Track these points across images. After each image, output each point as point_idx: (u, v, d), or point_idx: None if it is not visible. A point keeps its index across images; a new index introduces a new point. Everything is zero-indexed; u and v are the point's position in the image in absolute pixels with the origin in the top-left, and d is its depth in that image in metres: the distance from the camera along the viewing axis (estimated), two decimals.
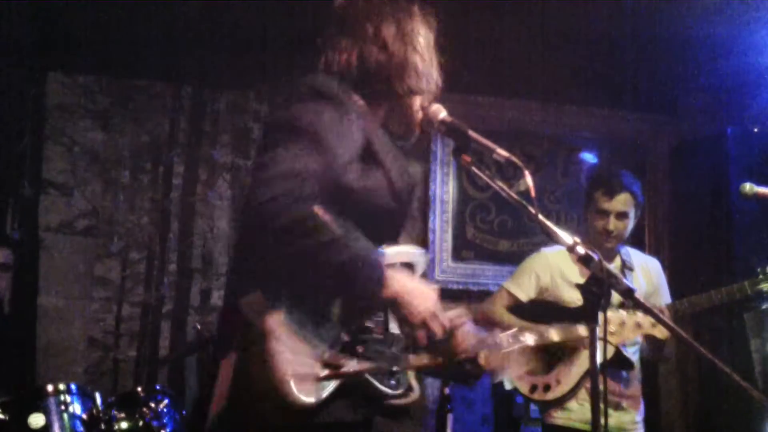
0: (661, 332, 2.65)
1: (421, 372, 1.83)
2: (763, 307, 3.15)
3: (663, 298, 2.94)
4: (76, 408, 2.80)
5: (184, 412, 3.05)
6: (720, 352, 3.57)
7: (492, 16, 3.60)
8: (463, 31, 3.39)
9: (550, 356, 2.81)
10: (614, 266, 2.87)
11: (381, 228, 1.61)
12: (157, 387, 3.05)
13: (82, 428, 2.79)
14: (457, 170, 4.23)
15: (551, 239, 1.67)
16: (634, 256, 3.00)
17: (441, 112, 1.79)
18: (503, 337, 2.55)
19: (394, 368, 1.65)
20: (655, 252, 4.11)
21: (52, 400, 2.75)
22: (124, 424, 2.85)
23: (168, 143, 4.03)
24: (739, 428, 3.53)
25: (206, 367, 3.48)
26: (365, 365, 1.60)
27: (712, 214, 3.95)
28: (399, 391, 1.66)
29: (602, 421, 1.56)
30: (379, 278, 1.52)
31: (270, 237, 1.47)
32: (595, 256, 1.59)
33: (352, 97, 1.70)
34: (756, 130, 3.94)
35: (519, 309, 2.91)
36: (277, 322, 1.48)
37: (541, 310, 2.87)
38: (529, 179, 1.64)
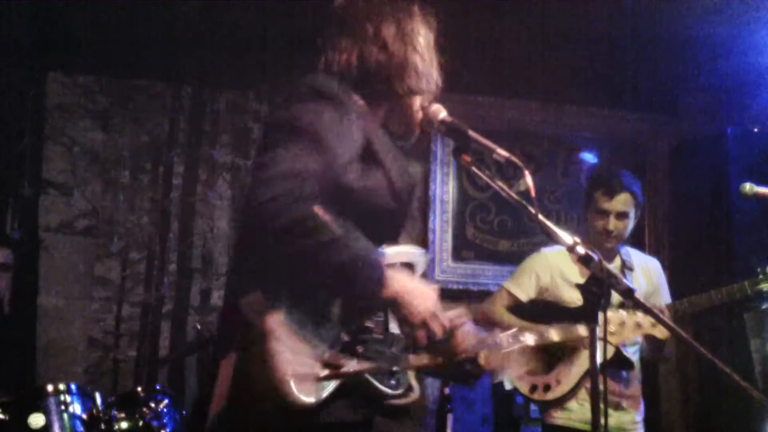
0: (661, 332, 2.65)
1: (421, 372, 1.83)
2: (763, 306, 3.15)
3: (663, 298, 2.94)
4: (76, 408, 2.80)
5: (184, 412, 3.05)
6: (720, 352, 3.57)
7: (492, 16, 3.59)
8: (463, 31, 3.39)
9: (550, 356, 2.81)
10: (614, 266, 2.87)
11: (381, 228, 1.61)
12: (157, 387, 3.05)
13: (82, 428, 2.79)
14: (457, 170, 4.23)
15: (551, 239, 1.67)
16: (634, 256, 3.00)
17: (441, 112, 1.79)
18: (503, 337, 2.55)
19: (394, 368, 1.65)
20: (655, 252, 4.11)
21: (52, 400, 2.75)
22: (124, 424, 2.85)
23: (168, 143, 4.03)
24: (739, 428, 3.53)
25: (206, 367, 3.48)
26: (365, 365, 1.60)
27: (712, 214, 3.95)
28: (399, 391, 1.66)
29: (602, 421, 1.56)
30: (379, 278, 1.52)
31: (270, 237, 1.47)
32: (595, 256, 1.59)
33: (352, 97, 1.70)
34: (756, 130, 3.94)
35: (519, 309, 2.91)
36: (277, 322, 1.48)
37: (541, 310, 2.87)
38: (529, 179, 1.64)
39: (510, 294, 2.95)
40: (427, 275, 1.80)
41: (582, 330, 2.71)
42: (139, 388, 3.00)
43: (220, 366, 1.57)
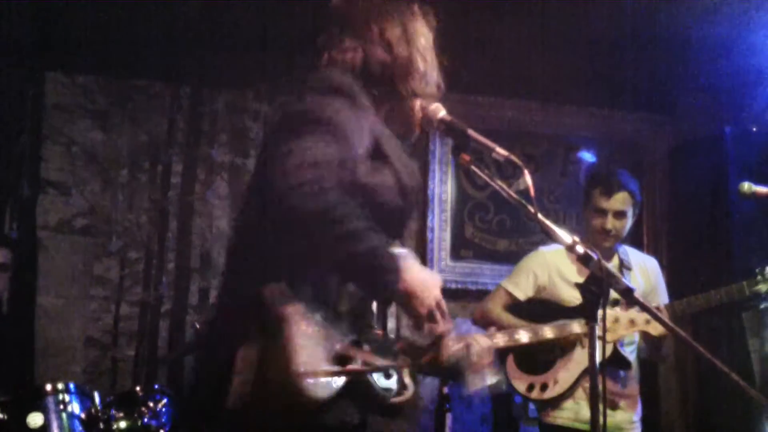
0: (655, 329, 2.65)
1: (419, 371, 1.83)
2: (762, 306, 3.15)
3: (661, 297, 2.94)
4: (75, 407, 2.80)
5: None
6: (719, 351, 3.57)
7: (492, 16, 3.59)
8: (463, 31, 3.39)
9: (547, 355, 2.81)
10: (612, 265, 2.87)
11: (386, 225, 1.62)
12: (156, 386, 3.04)
13: (80, 428, 2.79)
14: (455, 169, 4.22)
15: (550, 238, 1.67)
16: (632, 255, 3.00)
17: (440, 111, 1.79)
18: (498, 335, 2.56)
19: (397, 367, 1.66)
20: (653, 251, 4.11)
21: (50, 400, 2.75)
22: (122, 424, 2.85)
23: (166, 143, 4.03)
24: (738, 428, 3.53)
25: (207, 366, 3.46)
26: (372, 363, 1.60)
27: (711, 213, 3.95)
28: (394, 389, 1.66)
29: (600, 420, 1.56)
30: (396, 269, 1.53)
31: (295, 224, 1.47)
32: (594, 256, 1.59)
33: (364, 95, 1.70)
34: (755, 130, 3.94)
35: (517, 308, 2.91)
36: (297, 310, 1.48)
37: (539, 309, 2.88)
38: (528, 178, 1.64)
39: (508, 293, 2.95)
40: None
41: (576, 327, 2.72)
42: (138, 388, 2.99)
43: (234, 359, 1.54)
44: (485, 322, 2.91)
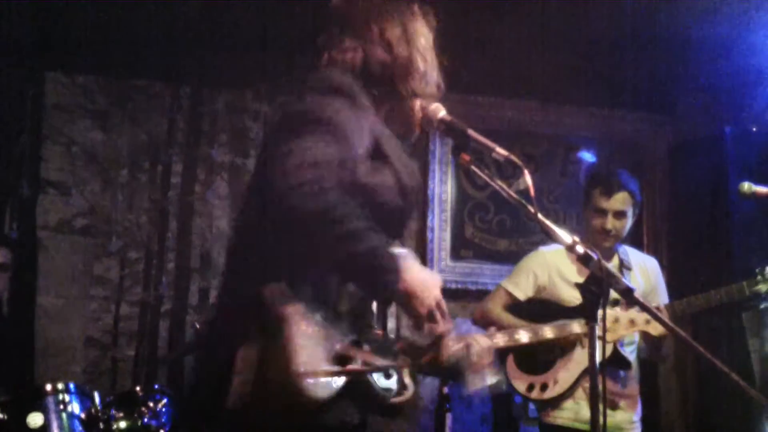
0: (654, 329, 2.65)
1: (419, 371, 1.83)
2: (762, 306, 3.15)
3: (661, 297, 2.94)
4: (75, 407, 2.80)
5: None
6: (719, 351, 3.57)
7: (492, 16, 3.59)
8: (463, 31, 3.39)
9: (547, 355, 2.81)
10: (612, 265, 2.87)
11: (386, 225, 1.62)
12: (156, 386, 3.04)
13: (80, 428, 2.78)
14: (455, 169, 4.22)
15: (550, 238, 1.67)
16: (632, 255, 3.00)
17: (440, 111, 1.79)
18: (498, 335, 2.56)
19: (397, 367, 1.66)
20: (653, 251, 4.11)
21: (50, 400, 2.75)
22: (122, 424, 2.85)
23: (166, 143, 4.03)
24: (738, 428, 3.53)
25: (206, 366, 3.46)
26: (372, 363, 1.60)
27: (711, 213, 3.95)
28: (394, 389, 1.66)
29: (600, 420, 1.56)
30: (396, 269, 1.53)
31: (296, 224, 1.47)
32: (595, 256, 1.59)
33: (364, 95, 1.70)
34: (755, 129, 3.94)
35: (517, 308, 2.91)
36: (297, 310, 1.48)
37: (539, 309, 2.88)
38: (528, 178, 1.64)
39: (508, 293, 2.95)
40: None
41: (575, 327, 2.72)
42: (138, 388, 2.99)
43: (234, 359, 1.53)
44: (485, 322, 2.91)
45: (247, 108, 4.11)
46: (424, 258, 4.05)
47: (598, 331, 1.60)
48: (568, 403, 2.79)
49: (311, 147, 1.50)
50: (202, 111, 4.09)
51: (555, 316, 2.78)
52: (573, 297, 2.81)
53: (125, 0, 3.51)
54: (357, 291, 1.61)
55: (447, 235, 4.19)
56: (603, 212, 2.85)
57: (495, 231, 4.25)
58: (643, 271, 2.96)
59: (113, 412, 2.84)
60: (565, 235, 1.64)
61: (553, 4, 3.54)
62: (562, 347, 2.78)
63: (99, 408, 2.85)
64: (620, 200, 2.85)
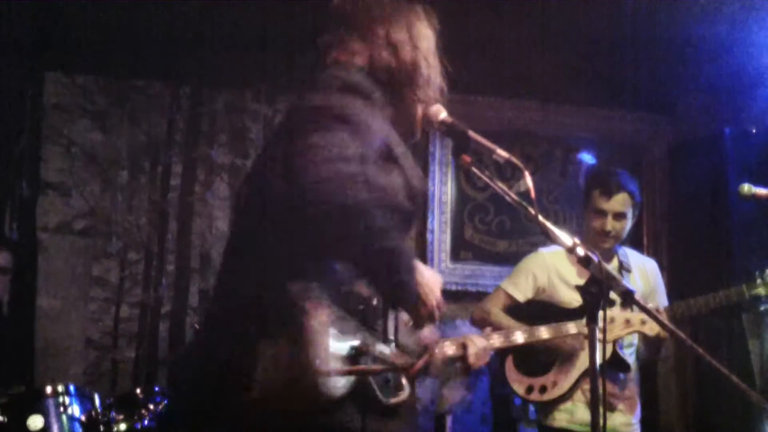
0: (650, 329, 2.65)
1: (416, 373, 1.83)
2: (762, 308, 3.15)
3: (660, 299, 2.94)
4: (75, 410, 2.79)
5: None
6: (718, 352, 3.58)
7: (492, 16, 3.59)
8: (463, 31, 3.39)
9: (546, 357, 2.81)
10: (612, 267, 2.87)
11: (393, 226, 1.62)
12: (156, 388, 3.03)
13: (80, 430, 2.78)
14: (455, 171, 4.22)
15: (551, 240, 1.67)
16: (632, 256, 3.00)
17: (441, 113, 1.78)
18: (494, 336, 2.56)
19: (405, 367, 1.66)
20: (653, 252, 4.11)
21: (50, 402, 2.75)
22: (122, 426, 2.85)
23: (166, 143, 4.02)
24: (737, 429, 3.53)
25: (206, 366, 3.45)
26: (387, 362, 1.62)
27: (711, 214, 3.95)
28: (391, 390, 1.66)
29: (600, 422, 1.56)
30: (414, 269, 1.55)
31: (324, 216, 1.46)
32: (595, 258, 1.59)
33: (377, 95, 1.69)
34: (754, 130, 3.94)
35: (516, 310, 2.91)
36: (322, 307, 1.48)
37: (538, 310, 2.87)
38: (529, 180, 1.64)
39: (507, 294, 2.94)
40: None
41: (572, 327, 2.71)
42: (138, 390, 2.98)
43: (234, 359, 1.52)
44: (484, 324, 2.90)
45: (246, 108, 4.11)
46: (424, 260, 4.04)
47: (598, 334, 1.60)
48: (567, 405, 2.79)
49: (336, 142, 1.50)
50: (201, 111, 4.08)
51: (554, 318, 2.77)
52: (572, 299, 2.80)
53: (125, 0, 3.51)
54: (363, 291, 1.61)
55: (447, 237, 4.19)
56: (602, 213, 2.85)
57: (495, 232, 4.25)
58: (643, 273, 2.96)
59: (113, 414, 2.84)
60: (565, 237, 1.64)
61: (553, 4, 3.53)
62: (562, 349, 2.78)
63: (99, 410, 2.85)
64: (620, 201, 2.85)
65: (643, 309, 1.69)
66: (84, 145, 3.95)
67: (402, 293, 1.59)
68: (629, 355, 2.84)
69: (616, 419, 2.81)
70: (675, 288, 3.05)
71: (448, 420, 2.93)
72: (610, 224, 2.83)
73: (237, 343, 1.52)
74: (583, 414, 2.75)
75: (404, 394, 1.69)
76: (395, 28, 1.74)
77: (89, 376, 3.74)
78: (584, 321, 2.66)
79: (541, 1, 3.51)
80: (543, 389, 2.80)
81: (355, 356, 1.56)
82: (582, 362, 2.74)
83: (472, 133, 1.73)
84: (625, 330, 2.67)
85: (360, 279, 1.59)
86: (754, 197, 2.67)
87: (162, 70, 4.01)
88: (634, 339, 2.86)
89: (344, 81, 1.65)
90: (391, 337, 1.69)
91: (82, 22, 3.64)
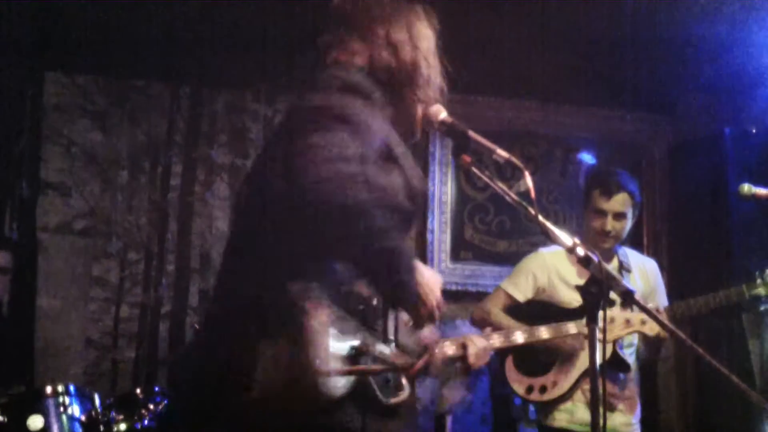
0: (650, 329, 2.65)
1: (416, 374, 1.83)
2: (762, 308, 3.15)
3: (660, 299, 2.94)
4: (75, 410, 2.79)
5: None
6: (718, 352, 3.57)
7: (492, 16, 3.59)
8: (463, 31, 3.38)
9: (546, 357, 2.81)
10: (612, 267, 2.87)
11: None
12: (156, 388, 3.03)
13: (80, 430, 2.78)
14: (455, 171, 4.22)
15: (551, 240, 1.67)
16: (632, 256, 3.00)
17: (441, 113, 1.78)
18: (494, 335, 2.56)
19: (405, 366, 1.67)
20: (653, 252, 4.11)
21: (50, 402, 2.75)
22: (122, 426, 2.84)
23: (166, 143, 4.02)
24: (737, 429, 3.53)
25: (206, 366, 3.45)
26: (388, 362, 1.62)
27: (711, 214, 3.95)
28: (390, 390, 1.66)
29: (600, 422, 1.56)
30: (414, 269, 1.55)
31: (325, 215, 1.46)
32: (595, 258, 1.59)
33: (377, 96, 1.69)
34: (754, 130, 3.94)
35: (516, 309, 2.91)
36: (322, 307, 1.48)
37: (538, 310, 2.87)
38: (529, 180, 1.64)
39: (507, 294, 2.94)
40: None
41: (572, 327, 2.71)
42: (138, 390, 2.98)
43: (234, 359, 1.52)
44: (484, 324, 2.90)
45: (246, 108, 4.11)
46: (424, 260, 4.04)
47: (598, 334, 1.60)
48: (567, 405, 2.79)
49: (336, 143, 1.50)
50: (201, 111, 4.08)
51: (554, 318, 2.77)
52: (572, 299, 2.80)
53: (125, 0, 3.51)
54: (364, 291, 1.61)
55: (447, 237, 4.19)
56: (602, 213, 2.85)
57: (495, 232, 4.25)
58: (642, 273, 2.96)
59: (113, 414, 2.84)
60: (565, 237, 1.64)
61: (553, 4, 3.53)
62: (562, 349, 2.78)
63: (99, 410, 2.85)
64: (620, 201, 2.85)
65: (644, 309, 1.69)
66: (84, 145, 3.95)
67: (402, 293, 1.59)
68: (629, 355, 2.84)
69: (616, 419, 2.81)
70: (675, 288, 3.05)
71: (448, 420, 2.93)
72: (610, 224, 2.83)
73: (237, 343, 1.51)
74: (582, 414, 2.75)
75: (404, 394, 1.69)
76: (395, 28, 1.74)
77: (89, 376, 3.74)
78: (584, 321, 2.68)
79: (541, 1, 3.51)
80: (543, 389, 2.80)
81: (355, 356, 1.56)
82: (582, 362, 2.74)
83: (472, 133, 1.73)
84: (625, 330, 2.67)
85: (360, 279, 1.59)
86: (754, 197, 2.67)
87: (162, 70, 4.00)
88: (634, 339, 2.86)
89: (344, 81, 1.65)
90: (391, 337, 1.69)
91: (82, 22, 3.63)
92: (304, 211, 1.48)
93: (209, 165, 4.04)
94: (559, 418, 2.80)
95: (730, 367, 1.63)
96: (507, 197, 1.69)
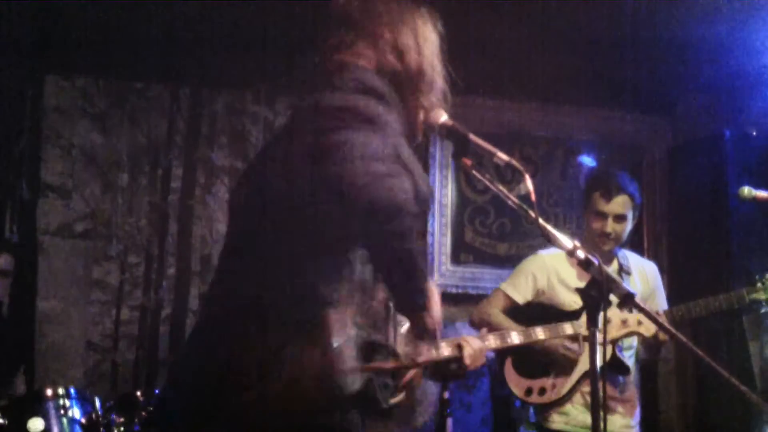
0: (646, 330, 2.65)
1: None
2: (762, 311, 3.15)
3: (659, 301, 2.94)
4: (75, 412, 2.79)
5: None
6: (718, 354, 3.57)
7: (492, 16, 3.59)
8: (463, 31, 3.38)
9: (545, 359, 2.81)
10: (611, 269, 2.87)
11: None
12: (157, 391, 3.03)
13: None
14: (455, 173, 4.21)
15: (551, 243, 1.67)
16: (632, 259, 3.00)
17: (442, 116, 1.78)
18: (490, 337, 2.56)
19: (411, 366, 1.67)
20: (653, 254, 4.11)
21: (51, 404, 2.75)
22: (123, 428, 2.84)
23: (166, 145, 4.02)
24: (737, 430, 3.53)
25: (206, 366, 3.45)
26: (396, 361, 1.63)
27: (711, 215, 3.95)
28: (390, 390, 1.66)
29: (600, 425, 1.56)
30: (427, 275, 1.57)
31: (364, 215, 1.46)
32: (595, 261, 1.59)
33: (392, 98, 1.69)
34: (754, 132, 3.94)
35: (516, 312, 2.91)
36: (343, 309, 1.48)
37: (537, 312, 2.87)
38: (529, 183, 1.64)
39: (506, 296, 2.94)
40: None
41: (568, 328, 2.71)
42: (138, 392, 2.98)
43: (234, 359, 1.52)
44: (483, 325, 2.91)
45: (246, 110, 4.10)
46: None
47: (598, 336, 1.60)
48: (566, 408, 2.79)
49: (368, 142, 1.49)
50: (201, 112, 4.08)
51: (554, 321, 2.77)
52: (572, 301, 2.80)
53: (125, 0, 3.51)
54: (378, 293, 1.61)
55: (447, 240, 4.18)
56: (603, 215, 2.85)
57: (495, 235, 4.24)
58: (642, 276, 2.96)
59: (114, 416, 2.84)
60: (565, 240, 1.64)
61: (553, 4, 3.53)
62: (561, 352, 2.78)
63: (99, 412, 2.85)
64: (620, 203, 2.85)
65: (644, 312, 1.69)
66: (84, 146, 3.95)
67: (414, 298, 1.60)
68: (628, 358, 2.84)
69: (615, 422, 2.81)
70: (675, 289, 3.05)
71: (449, 421, 2.92)
72: (611, 226, 2.83)
73: (237, 343, 1.51)
74: (579, 416, 2.75)
75: (401, 396, 1.69)
76: (402, 33, 1.73)
77: (89, 379, 3.73)
78: (580, 322, 2.68)
79: (541, 1, 3.51)
80: (542, 391, 2.80)
81: (370, 353, 1.56)
82: (581, 365, 2.74)
83: (472, 136, 1.73)
84: (622, 331, 2.68)
85: (377, 279, 1.59)
86: (755, 200, 2.67)
87: (162, 72, 4.00)
88: (634, 341, 2.86)
89: (363, 82, 1.64)
90: (392, 342, 1.69)
91: (82, 23, 3.63)
92: (341, 207, 1.47)
93: (210, 168, 4.03)
94: (557, 420, 2.80)
95: (730, 369, 1.63)
96: (507, 200, 1.69)
